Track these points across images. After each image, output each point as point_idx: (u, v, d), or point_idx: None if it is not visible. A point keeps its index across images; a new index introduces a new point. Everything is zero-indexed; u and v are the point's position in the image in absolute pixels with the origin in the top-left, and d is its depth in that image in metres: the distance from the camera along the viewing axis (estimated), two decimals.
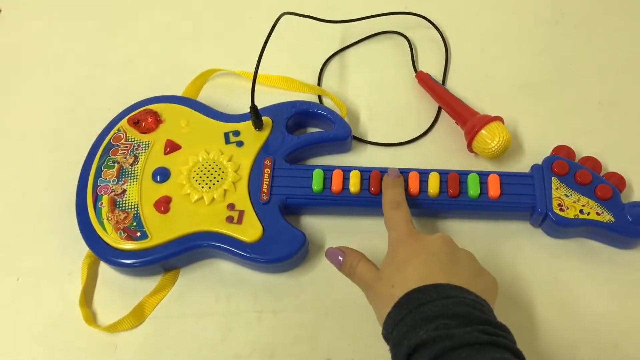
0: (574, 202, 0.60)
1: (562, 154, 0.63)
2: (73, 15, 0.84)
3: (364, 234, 0.62)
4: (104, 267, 0.64)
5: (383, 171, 0.62)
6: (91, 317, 0.61)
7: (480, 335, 0.43)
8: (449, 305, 0.46)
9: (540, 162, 0.63)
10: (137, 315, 0.61)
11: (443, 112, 0.71)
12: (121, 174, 0.64)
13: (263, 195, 0.62)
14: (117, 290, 0.63)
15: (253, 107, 0.64)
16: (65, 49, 0.80)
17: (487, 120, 0.65)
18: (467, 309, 0.46)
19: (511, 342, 0.45)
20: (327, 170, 0.63)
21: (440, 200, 0.61)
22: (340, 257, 0.56)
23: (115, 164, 0.64)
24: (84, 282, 0.62)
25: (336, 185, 0.62)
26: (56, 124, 0.74)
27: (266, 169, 0.64)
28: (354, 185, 0.62)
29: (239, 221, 0.60)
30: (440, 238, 0.53)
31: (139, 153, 0.65)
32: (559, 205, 0.60)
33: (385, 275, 0.52)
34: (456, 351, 0.43)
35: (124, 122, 0.67)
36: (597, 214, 0.60)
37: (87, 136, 0.68)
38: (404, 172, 0.62)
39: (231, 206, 0.61)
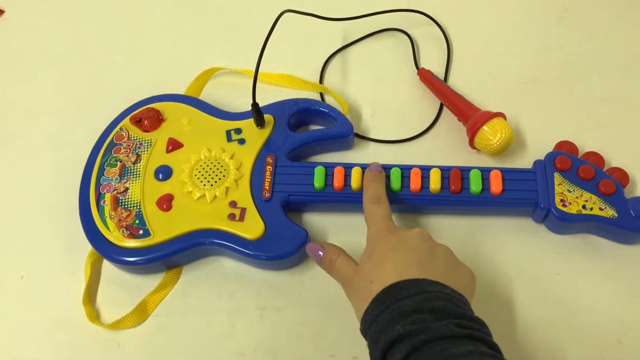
0: (577, 197, 0.60)
1: (565, 149, 0.63)
2: (76, 15, 0.84)
3: (365, 230, 0.62)
4: (107, 265, 0.64)
5: (385, 167, 0.62)
6: (94, 315, 0.61)
7: (456, 328, 0.44)
8: (426, 300, 0.46)
9: (542, 158, 0.63)
10: (140, 313, 0.61)
11: (445, 109, 0.71)
12: (124, 173, 0.64)
13: (265, 193, 0.62)
14: (120, 288, 0.63)
15: (254, 104, 0.64)
16: (69, 48, 0.81)
17: (489, 116, 0.64)
18: (444, 303, 0.46)
19: (487, 335, 0.46)
20: (329, 167, 0.63)
21: (442, 197, 0.61)
22: (320, 252, 0.56)
23: (118, 163, 0.65)
24: (88, 280, 0.62)
25: (338, 182, 0.62)
26: (60, 123, 0.74)
27: (268, 167, 0.64)
28: (356, 181, 0.62)
29: (241, 218, 0.61)
30: (418, 233, 0.54)
31: (141, 151, 0.65)
32: (562, 200, 0.60)
33: (363, 271, 0.52)
34: (431, 344, 0.43)
35: (126, 121, 0.68)
36: (600, 209, 0.59)
37: (91, 135, 0.68)
38: (406, 169, 0.62)
39: (233, 204, 0.61)
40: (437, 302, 0.46)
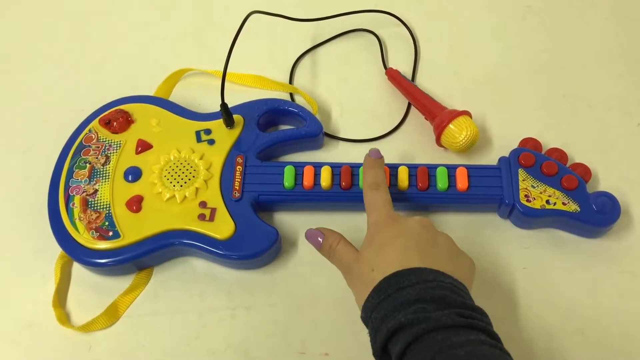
0: (541, 192, 0.61)
1: (529, 146, 0.65)
2: (45, 16, 0.83)
3: (336, 228, 0.62)
4: (77, 268, 0.64)
5: (354, 166, 0.63)
6: (65, 318, 0.61)
7: (457, 318, 0.45)
8: (428, 289, 0.47)
9: (507, 155, 0.64)
10: (111, 315, 0.61)
11: (413, 107, 0.72)
12: (93, 174, 0.64)
13: (235, 193, 0.62)
14: (91, 290, 0.63)
15: (223, 105, 0.64)
16: (37, 50, 0.80)
17: (455, 114, 0.66)
18: (445, 292, 0.47)
19: (487, 324, 0.47)
20: (299, 167, 0.64)
21: (409, 194, 0.62)
22: (319, 238, 0.56)
23: (87, 165, 0.64)
24: (57, 282, 0.62)
25: (307, 181, 0.63)
26: (29, 126, 0.73)
27: (238, 167, 0.64)
28: (325, 180, 0.62)
29: (211, 219, 0.61)
30: (419, 221, 0.54)
31: (110, 153, 0.65)
32: (526, 196, 0.61)
33: (364, 258, 0.52)
34: (432, 333, 0.44)
35: (95, 123, 0.67)
36: (563, 204, 0.61)
37: (60, 137, 0.67)
38: None
39: (203, 204, 0.62)
40: (439, 291, 0.47)
